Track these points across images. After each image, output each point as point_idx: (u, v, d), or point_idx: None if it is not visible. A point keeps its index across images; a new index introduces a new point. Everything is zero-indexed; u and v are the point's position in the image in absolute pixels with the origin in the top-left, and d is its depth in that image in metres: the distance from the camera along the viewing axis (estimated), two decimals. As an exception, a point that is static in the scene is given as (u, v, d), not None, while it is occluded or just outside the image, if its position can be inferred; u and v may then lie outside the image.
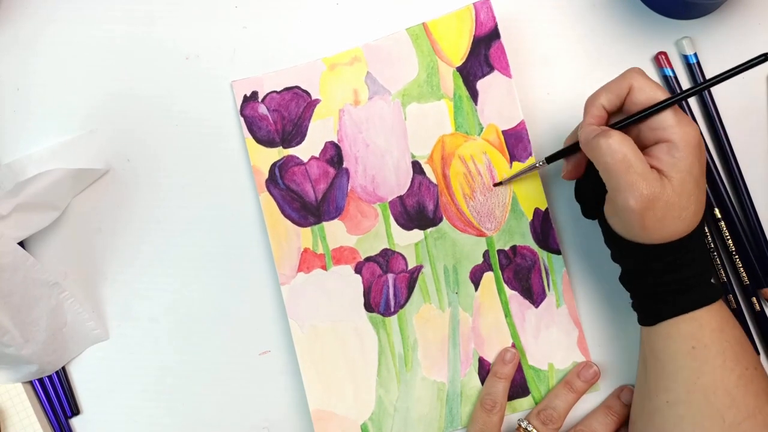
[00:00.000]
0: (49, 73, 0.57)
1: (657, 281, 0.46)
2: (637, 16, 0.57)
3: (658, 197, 0.43)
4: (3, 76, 0.58)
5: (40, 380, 0.55)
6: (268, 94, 0.56)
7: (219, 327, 0.56)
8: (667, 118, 0.44)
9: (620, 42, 0.57)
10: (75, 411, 0.56)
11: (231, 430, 0.56)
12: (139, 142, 0.57)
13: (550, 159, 0.51)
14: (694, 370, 0.45)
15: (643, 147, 0.45)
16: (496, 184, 0.55)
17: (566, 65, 0.57)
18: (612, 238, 0.47)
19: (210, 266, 0.56)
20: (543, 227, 0.55)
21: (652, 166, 0.44)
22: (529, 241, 0.55)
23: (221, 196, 0.57)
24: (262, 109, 0.56)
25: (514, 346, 0.55)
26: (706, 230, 0.54)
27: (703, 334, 0.45)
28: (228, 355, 0.56)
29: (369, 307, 0.55)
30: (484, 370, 0.55)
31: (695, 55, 0.55)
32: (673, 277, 0.45)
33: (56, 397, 0.56)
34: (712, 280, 0.47)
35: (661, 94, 0.45)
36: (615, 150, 0.43)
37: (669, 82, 0.55)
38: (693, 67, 0.55)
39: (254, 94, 0.56)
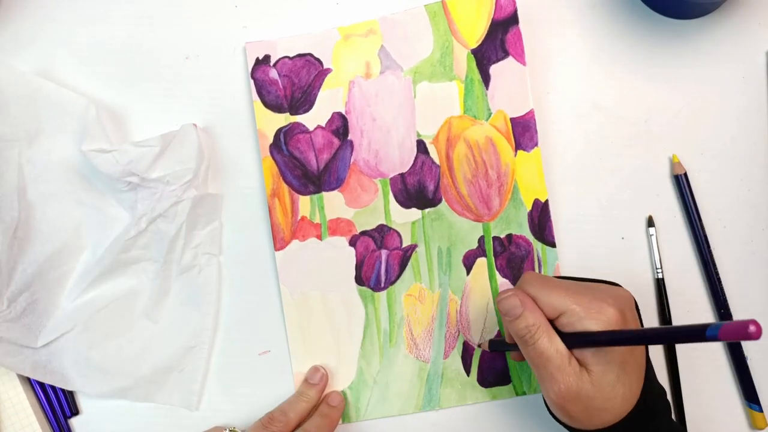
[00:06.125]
0: (48, 73, 0.57)
1: None
2: (637, 16, 0.56)
3: (576, 391, 0.43)
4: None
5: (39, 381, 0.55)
6: (280, 59, 0.56)
7: (219, 327, 0.57)
8: (577, 311, 0.43)
9: (620, 42, 0.56)
10: (74, 411, 0.56)
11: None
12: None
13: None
14: None
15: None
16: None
17: (566, 65, 0.56)
18: (556, 420, 0.47)
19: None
20: (541, 219, 0.55)
21: (575, 357, 0.44)
22: (526, 231, 0.55)
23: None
24: (273, 73, 0.56)
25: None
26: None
27: None
28: (228, 355, 0.56)
29: (360, 280, 0.56)
30: (468, 354, 0.55)
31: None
32: None
33: (55, 397, 0.55)
34: None
35: (558, 299, 0.44)
36: (537, 347, 0.44)
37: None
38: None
39: (266, 57, 0.56)
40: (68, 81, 0.57)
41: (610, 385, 0.43)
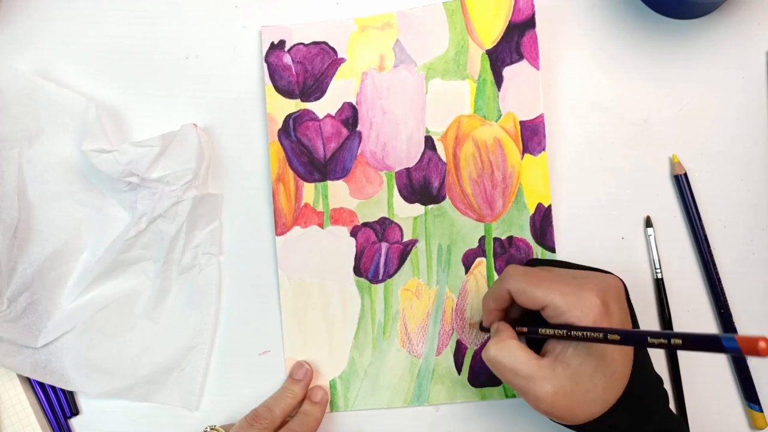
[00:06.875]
0: (48, 73, 0.57)
1: None
2: (637, 16, 0.57)
3: (553, 392, 0.43)
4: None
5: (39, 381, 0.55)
6: (294, 45, 0.56)
7: (219, 327, 0.56)
8: (559, 304, 0.43)
9: (620, 42, 0.57)
10: (74, 411, 0.56)
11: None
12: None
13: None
14: None
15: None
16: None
17: (566, 65, 0.57)
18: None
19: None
20: (543, 223, 0.55)
21: (548, 355, 0.44)
22: (527, 235, 0.55)
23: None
24: (287, 59, 0.56)
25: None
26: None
27: None
28: (228, 355, 0.56)
29: (358, 271, 0.56)
30: (460, 353, 0.55)
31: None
32: None
33: (55, 397, 0.55)
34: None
35: (540, 292, 0.44)
36: (494, 363, 0.45)
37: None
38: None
39: (281, 42, 0.56)
40: (68, 81, 0.57)
41: (587, 376, 0.43)
